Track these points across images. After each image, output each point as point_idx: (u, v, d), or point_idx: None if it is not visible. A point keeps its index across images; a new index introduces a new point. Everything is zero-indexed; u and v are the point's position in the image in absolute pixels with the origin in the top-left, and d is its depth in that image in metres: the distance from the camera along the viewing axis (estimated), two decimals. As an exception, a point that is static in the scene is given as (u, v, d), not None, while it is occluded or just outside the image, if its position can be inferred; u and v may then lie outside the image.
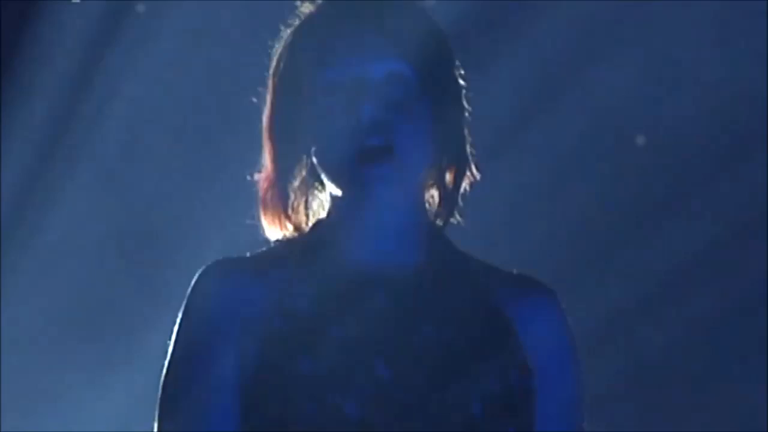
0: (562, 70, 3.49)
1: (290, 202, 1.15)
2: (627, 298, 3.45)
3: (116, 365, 3.25)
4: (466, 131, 1.16)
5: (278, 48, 1.16)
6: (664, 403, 3.70)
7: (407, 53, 1.11)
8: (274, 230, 1.16)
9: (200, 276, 1.13)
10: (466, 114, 1.17)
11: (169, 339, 1.12)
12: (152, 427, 1.11)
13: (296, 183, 1.16)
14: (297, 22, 1.15)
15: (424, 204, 1.16)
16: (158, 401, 1.11)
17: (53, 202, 3.53)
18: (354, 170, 1.11)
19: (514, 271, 1.18)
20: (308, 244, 1.15)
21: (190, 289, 1.13)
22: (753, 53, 3.49)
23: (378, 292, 1.11)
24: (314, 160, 1.14)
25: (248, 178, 1.15)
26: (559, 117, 3.43)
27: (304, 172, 1.16)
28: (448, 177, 1.16)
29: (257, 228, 1.17)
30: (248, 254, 1.16)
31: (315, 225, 1.16)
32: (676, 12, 3.51)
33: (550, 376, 1.13)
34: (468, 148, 1.17)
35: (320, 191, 1.16)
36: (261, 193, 1.16)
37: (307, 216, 1.16)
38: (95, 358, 3.30)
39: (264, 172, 1.16)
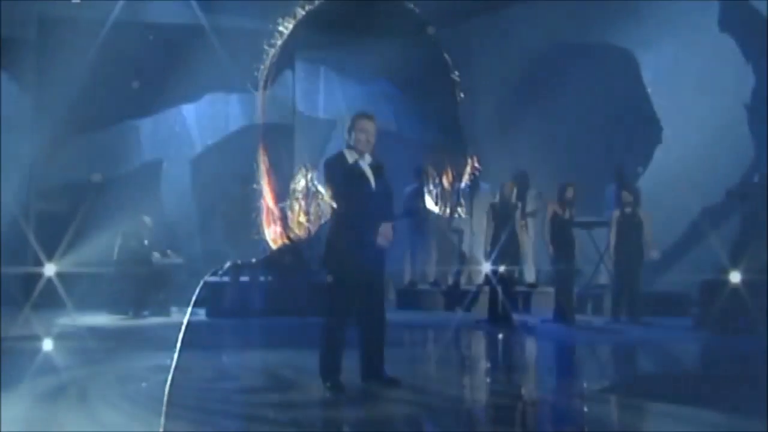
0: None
1: (290, 214, 1.18)
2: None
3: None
4: (459, 124, 1.19)
5: (264, 67, 1.17)
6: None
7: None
8: (276, 241, 1.19)
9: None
10: (459, 106, 1.19)
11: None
12: None
13: (297, 193, 1.18)
14: (279, 41, 1.17)
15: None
16: None
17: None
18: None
19: None
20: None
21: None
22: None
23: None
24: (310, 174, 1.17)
25: (254, 186, 1.18)
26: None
27: (303, 183, 1.18)
28: (447, 173, 1.19)
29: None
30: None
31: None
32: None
33: None
34: (463, 141, 1.19)
35: (322, 200, 1.19)
36: (264, 206, 1.19)
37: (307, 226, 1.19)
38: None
39: (264, 186, 1.18)
